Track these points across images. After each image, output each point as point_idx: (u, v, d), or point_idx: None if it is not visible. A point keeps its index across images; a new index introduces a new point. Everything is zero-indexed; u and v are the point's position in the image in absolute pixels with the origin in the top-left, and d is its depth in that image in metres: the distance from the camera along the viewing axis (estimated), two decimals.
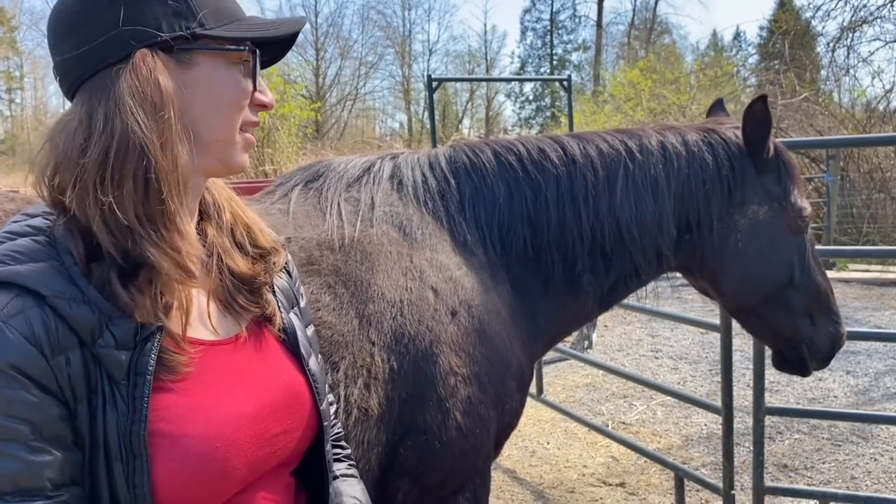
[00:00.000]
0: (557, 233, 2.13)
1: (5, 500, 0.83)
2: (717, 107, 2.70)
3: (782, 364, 2.56)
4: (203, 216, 1.13)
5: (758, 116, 2.26)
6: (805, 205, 2.36)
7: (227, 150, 1.06)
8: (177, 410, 0.94)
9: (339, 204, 1.97)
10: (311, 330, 1.28)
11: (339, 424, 1.39)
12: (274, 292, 1.18)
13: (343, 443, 1.36)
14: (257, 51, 1.07)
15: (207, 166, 1.07)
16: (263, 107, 1.10)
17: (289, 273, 1.26)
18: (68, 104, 1.04)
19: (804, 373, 2.51)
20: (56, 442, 0.87)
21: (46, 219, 0.99)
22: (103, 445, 0.90)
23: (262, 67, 1.14)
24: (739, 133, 2.32)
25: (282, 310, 1.17)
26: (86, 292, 0.92)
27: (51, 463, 0.86)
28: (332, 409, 1.35)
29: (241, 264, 1.12)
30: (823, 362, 2.50)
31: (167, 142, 0.97)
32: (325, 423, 1.17)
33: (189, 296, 1.01)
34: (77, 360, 0.90)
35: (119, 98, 0.95)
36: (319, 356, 1.30)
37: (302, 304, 1.27)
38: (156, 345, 0.94)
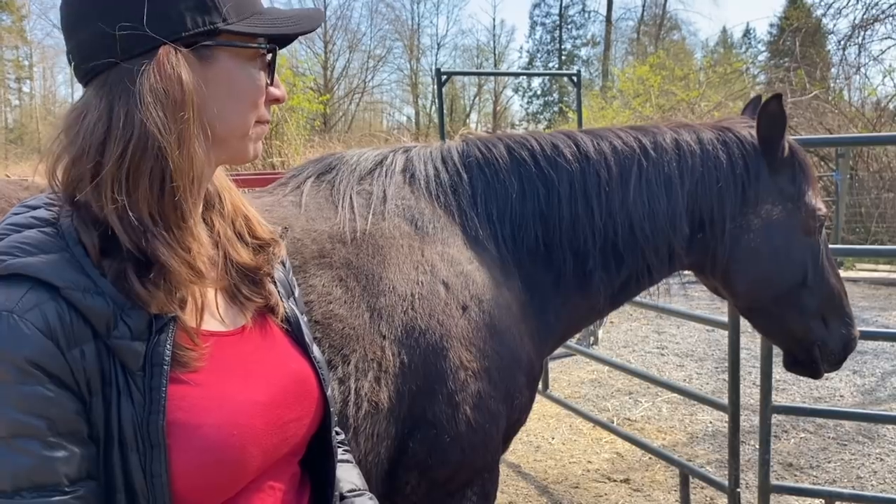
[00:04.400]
0: (569, 229, 2.12)
1: (21, 496, 0.83)
2: (753, 105, 2.60)
3: (793, 365, 2.54)
4: (207, 205, 1.13)
5: (772, 115, 2.24)
6: (820, 205, 2.34)
7: (241, 143, 1.06)
8: (192, 400, 0.94)
9: (351, 197, 1.97)
10: (304, 318, 1.29)
11: (335, 411, 1.40)
12: (274, 282, 1.18)
13: (338, 428, 1.36)
14: (276, 48, 1.07)
15: (221, 159, 1.08)
16: (276, 101, 1.10)
17: (282, 263, 1.26)
18: (77, 93, 1.03)
19: (815, 375, 2.50)
20: (72, 437, 0.87)
21: (49, 209, 0.98)
22: (118, 437, 0.89)
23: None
24: (754, 132, 2.31)
25: (283, 299, 1.18)
26: (98, 283, 0.91)
27: (67, 458, 0.86)
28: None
29: (243, 255, 1.12)
30: (835, 365, 2.47)
31: (185, 142, 0.96)
32: (332, 410, 1.18)
33: (203, 292, 1.01)
34: (91, 352, 0.89)
35: (141, 96, 0.93)
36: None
37: (296, 293, 1.28)
38: (170, 335, 0.94)
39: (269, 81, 1.07)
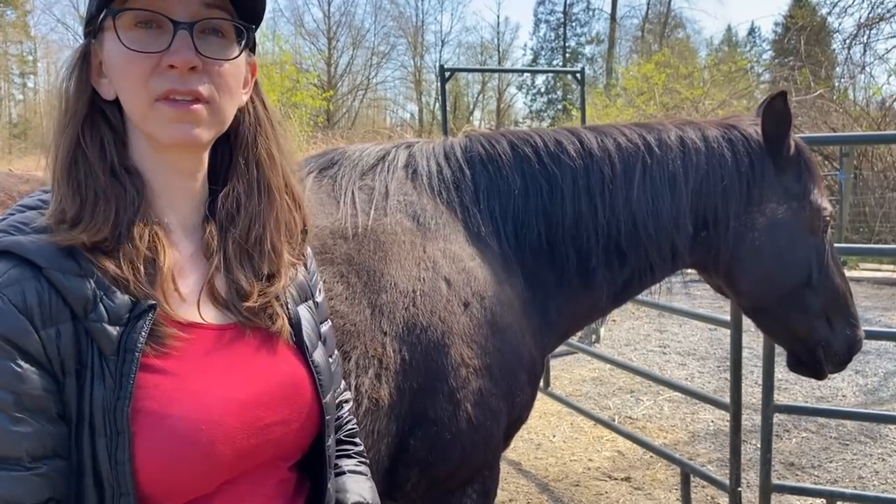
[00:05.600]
0: (572, 226, 2.11)
1: None
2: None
3: (797, 366, 2.52)
4: (209, 214, 1.10)
5: (777, 113, 2.23)
6: (825, 204, 2.33)
7: (146, 126, 1.00)
8: (163, 390, 0.94)
9: (353, 192, 1.96)
10: (326, 326, 1.25)
11: (355, 420, 1.35)
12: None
13: (356, 439, 1.33)
14: (122, 10, 0.96)
15: (152, 144, 1.03)
16: (170, 66, 0.97)
17: (306, 267, 1.23)
18: None
19: (819, 376, 2.48)
20: (39, 413, 0.87)
21: None
22: (88, 420, 0.90)
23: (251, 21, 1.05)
24: (760, 130, 2.29)
25: (289, 303, 1.14)
26: (83, 266, 0.93)
27: (31, 434, 0.86)
28: (349, 405, 1.33)
29: (241, 279, 1.08)
30: (839, 366, 2.46)
31: (68, 134, 1.01)
32: (328, 417, 1.14)
33: (169, 270, 1.00)
34: (68, 333, 0.90)
35: None
36: (336, 353, 1.28)
37: (318, 299, 1.25)
38: (147, 323, 0.94)
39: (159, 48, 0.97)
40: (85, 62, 1.02)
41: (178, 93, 0.97)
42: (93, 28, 1.02)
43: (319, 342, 1.19)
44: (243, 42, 1.05)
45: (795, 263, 2.30)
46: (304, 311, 1.17)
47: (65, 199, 0.97)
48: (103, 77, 1.02)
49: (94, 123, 1.02)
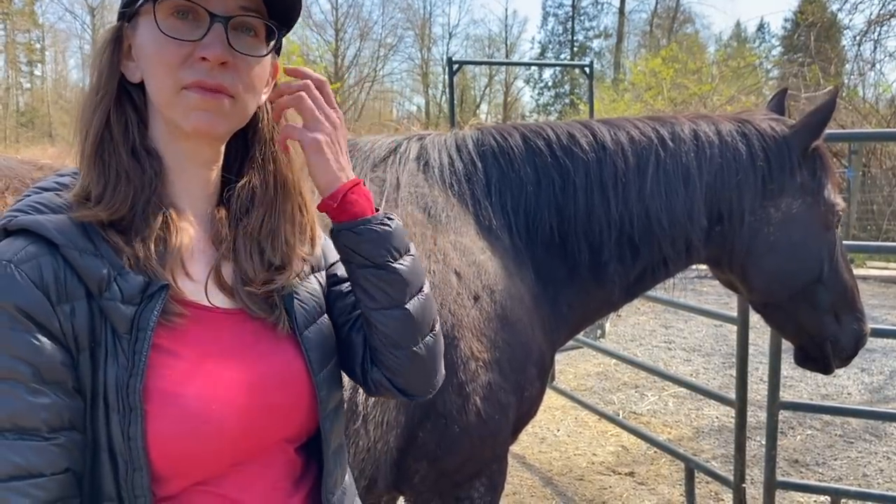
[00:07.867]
0: (585, 220, 2.10)
1: (4, 436, 0.87)
2: (778, 98, 2.61)
3: (805, 361, 2.52)
4: (221, 201, 1.13)
5: (828, 109, 2.24)
6: (838, 200, 2.32)
7: (169, 112, 1.02)
8: (174, 369, 0.96)
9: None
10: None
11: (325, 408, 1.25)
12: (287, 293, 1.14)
13: None
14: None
15: (172, 131, 1.05)
16: (202, 59, 0.99)
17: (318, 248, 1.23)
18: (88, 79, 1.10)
19: (826, 371, 2.48)
20: (56, 386, 0.90)
21: (74, 178, 1.05)
22: (103, 397, 0.93)
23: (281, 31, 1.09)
24: (774, 125, 2.27)
25: (294, 296, 1.12)
26: (98, 246, 0.96)
27: (49, 406, 0.89)
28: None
29: (249, 271, 1.09)
30: (846, 360, 2.46)
31: (96, 107, 1.03)
32: (322, 407, 1.12)
33: (179, 247, 1.01)
34: (83, 310, 0.93)
35: None
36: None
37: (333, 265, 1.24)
38: (160, 303, 0.96)
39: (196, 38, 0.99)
40: (117, 44, 1.05)
41: (206, 84, 1.00)
42: (129, 11, 1.04)
43: (322, 331, 1.16)
44: (272, 43, 1.08)
45: (809, 259, 2.29)
46: (306, 301, 1.15)
47: (91, 178, 1.00)
48: (131, 60, 1.05)
49: (120, 104, 1.05)
